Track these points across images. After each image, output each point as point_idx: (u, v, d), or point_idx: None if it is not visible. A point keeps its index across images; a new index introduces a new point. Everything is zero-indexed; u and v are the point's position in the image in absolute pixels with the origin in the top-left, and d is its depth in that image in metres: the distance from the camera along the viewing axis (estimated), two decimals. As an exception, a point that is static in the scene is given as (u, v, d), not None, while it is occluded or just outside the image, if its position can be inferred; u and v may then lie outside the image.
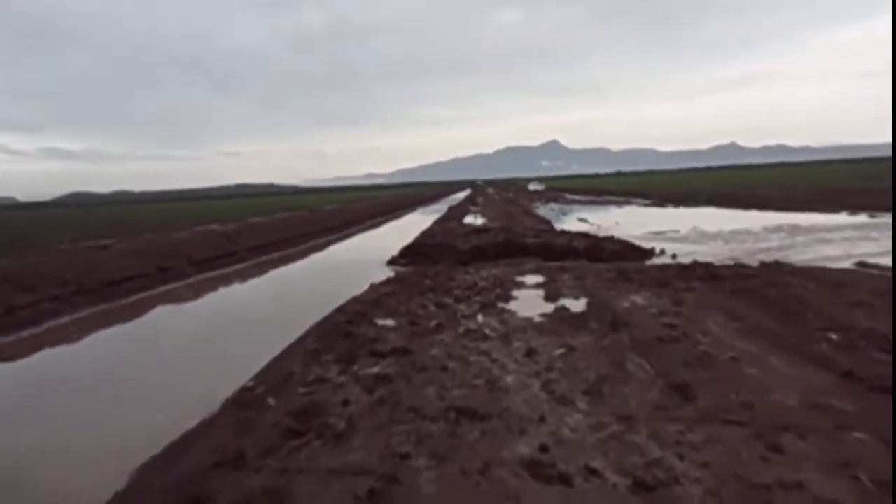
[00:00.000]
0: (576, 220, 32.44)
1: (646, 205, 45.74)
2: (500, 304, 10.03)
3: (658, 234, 24.01)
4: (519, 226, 24.98)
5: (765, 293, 10.42)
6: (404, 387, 5.98)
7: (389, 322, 8.94)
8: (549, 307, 9.74)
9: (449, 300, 10.28)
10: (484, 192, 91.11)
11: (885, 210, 28.11)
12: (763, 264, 14.19)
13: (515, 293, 11.08)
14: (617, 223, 30.14)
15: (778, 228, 24.16)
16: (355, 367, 6.63)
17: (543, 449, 4.55)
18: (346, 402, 5.51)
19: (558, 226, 27.54)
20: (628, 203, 48.36)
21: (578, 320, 8.64)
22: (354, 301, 10.49)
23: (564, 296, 10.62)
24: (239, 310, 12.88)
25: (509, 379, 6.25)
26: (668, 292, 10.75)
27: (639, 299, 10.20)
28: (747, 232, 23.43)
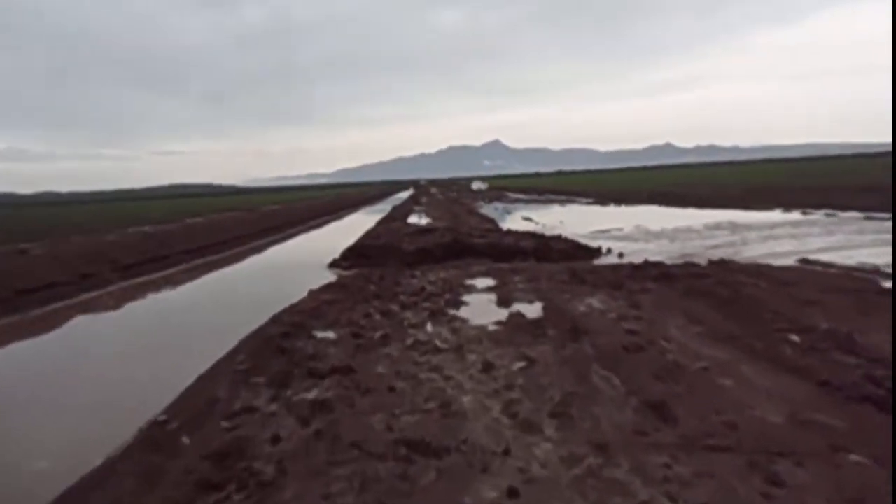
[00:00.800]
0: (520, 219, 32.07)
1: (588, 203, 45.96)
2: (451, 311, 9.28)
3: (603, 233, 23.80)
4: (464, 225, 24.33)
5: (719, 293, 10.04)
6: (346, 415, 5.14)
7: (330, 334, 8.05)
8: (502, 313, 9.04)
9: (395, 307, 9.47)
10: (427, 191, 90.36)
11: (816, 207, 28.88)
12: (711, 262, 13.96)
13: (466, 298, 10.35)
14: (561, 222, 29.91)
15: (718, 226, 24.34)
16: (289, 392, 5.74)
17: (512, 493, 3.80)
18: (276, 439, 4.62)
19: (504, 225, 27.06)
20: (571, 202, 48.51)
21: (535, 327, 7.97)
22: (292, 310, 9.53)
23: (518, 300, 9.96)
24: (163, 321, 11.67)
25: (466, 400, 5.50)
26: (624, 294, 10.24)
27: (595, 302, 9.64)
28: (690, 230, 23.48)
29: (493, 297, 10.37)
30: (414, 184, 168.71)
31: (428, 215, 34.70)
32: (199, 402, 5.52)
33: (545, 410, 5.21)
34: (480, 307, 9.64)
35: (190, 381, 6.36)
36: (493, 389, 5.76)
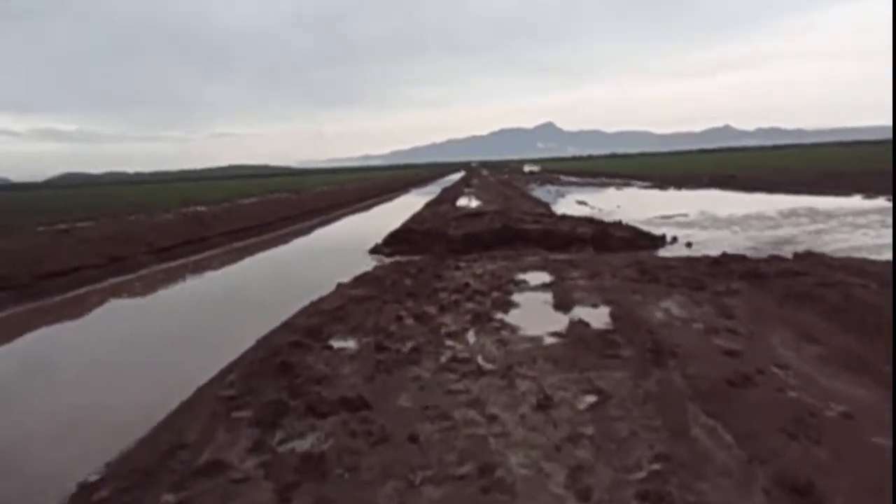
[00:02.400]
0: (575, 203, 29.96)
1: (646, 187, 43.28)
2: (498, 315, 7.58)
3: (665, 219, 21.64)
4: (516, 209, 22.47)
5: (826, 298, 8.02)
6: (344, 484, 3.57)
7: (349, 344, 6.49)
8: (561, 320, 7.30)
9: (432, 309, 7.83)
10: (478, 173, 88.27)
11: (904, 194, 25.86)
12: (798, 256, 11.89)
13: (517, 298, 8.61)
14: (619, 206, 27.73)
15: (794, 212, 21.86)
16: (277, 437, 4.20)
17: None
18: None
19: (557, 209, 25.11)
20: (627, 185, 45.86)
21: (604, 343, 6.21)
22: (312, 309, 8.02)
23: (579, 302, 8.17)
24: (172, 318, 10.25)
25: (515, 462, 3.85)
26: (708, 297, 8.35)
27: (674, 307, 7.79)
28: (762, 216, 21.09)
29: (548, 297, 8.60)
30: (465, 166, 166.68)
31: (478, 198, 32.90)
32: (156, 451, 4.02)
33: (630, 488, 3.51)
34: (534, 311, 7.90)
35: (164, 413, 4.86)
36: (554, 444, 4.07)
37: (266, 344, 6.41)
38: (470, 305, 8.02)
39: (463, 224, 18.23)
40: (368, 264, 13.27)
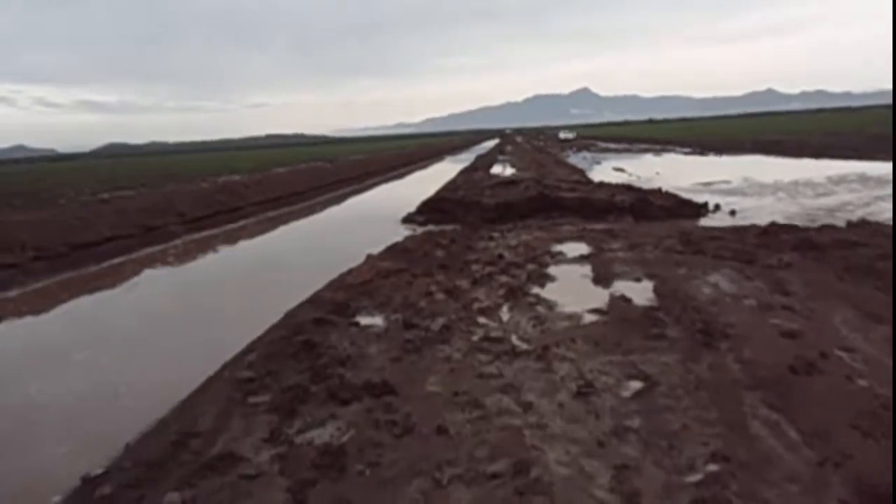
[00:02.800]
0: (611, 170, 29.02)
1: (685, 153, 41.82)
2: (534, 290, 7.13)
3: (707, 186, 20.73)
4: (551, 177, 21.79)
5: (889, 272, 7.38)
6: (363, 483, 3.23)
7: (377, 321, 6.15)
8: (601, 295, 6.82)
9: (464, 282, 7.43)
10: (513, 140, 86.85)
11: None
12: (852, 225, 11.14)
13: (553, 270, 8.14)
14: (658, 173, 26.73)
15: (843, 179, 20.72)
16: (295, 426, 3.88)
17: None
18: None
19: (593, 176, 24.31)
20: (665, 151, 44.37)
21: (648, 321, 5.73)
22: (339, 283, 7.69)
23: (619, 276, 7.66)
24: (200, 292, 10.05)
25: (553, 458, 3.46)
26: (760, 271, 7.75)
27: (723, 282, 7.23)
28: (810, 183, 20.04)
29: (587, 270, 8.11)
30: (500, 133, 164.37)
31: (512, 165, 32.16)
32: (165, 441, 3.75)
33: (685, 495, 3.09)
34: (572, 285, 7.43)
35: (177, 399, 4.57)
36: (596, 438, 3.66)
37: (290, 320, 6.11)
38: (504, 279, 7.59)
39: (497, 192, 17.70)
40: (400, 234, 12.91)
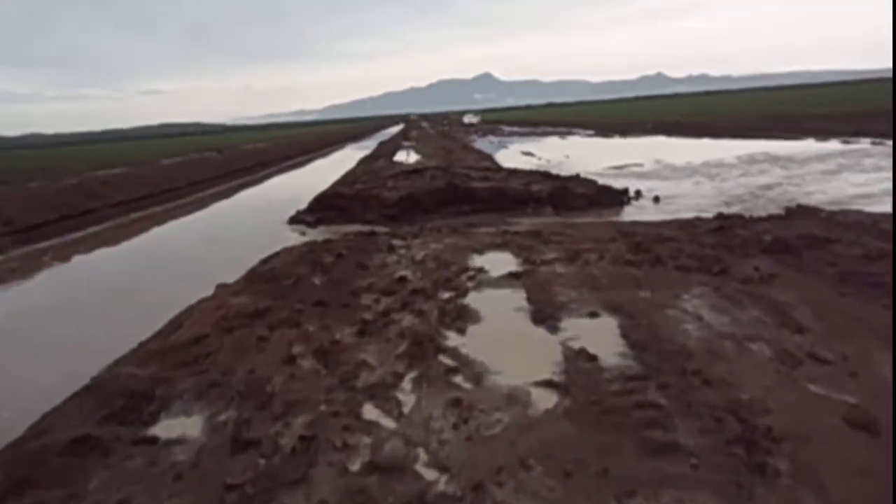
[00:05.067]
0: (520, 154, 27.24)
1: (589, 135, 40.89)
2: (451, 341, 4.70)
3: (620, 170, 19.27)
4: (459, 164, 19.53)
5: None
6: None
7: (189, 431, 3.48)
8: (550, 347, 4.48)
9: (347, 332, 4.88)
10: (418, 125, 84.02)
11: (853, 135, 24.19)
12: (792, 211, 9.72)
13: (475, 301, 5.72)
14: (567, 156, 25.21)
15: (753, 159, 19.90)
16: None
17: None
18: None
19: (503, 161, 22.34)
20: (570, 134, 43.35)
21: (639, 410, 3.44)
22: (159, 343, 4.92)
23: (566, 308, 5.35)
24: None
25: None
26: (740, 288, 5.72)
27: (706, 312, 5.11)
28: (723, 164, 19.01)
29: (520, 298, 5.74)
30: (404, 119, 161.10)
31: (418, 152, 29.63)
32: None
33: None
34: (504, 328, 5.04)
35: None
36: None
37: (22, 450, 3.34)
38: (407, 321, 5.10)
39: (400, 183, 15.22)
40: (282, 241, 10.19)
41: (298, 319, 5.09)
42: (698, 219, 9.49)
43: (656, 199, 13.40)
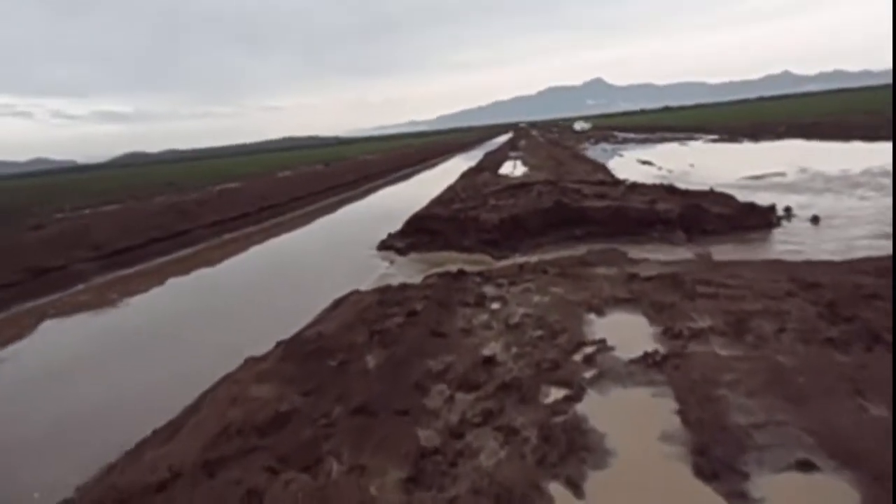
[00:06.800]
0: (637, 164, 24.31)
1: (713, 140, 36.76)
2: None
3: (758, 180, 16.16)
4: (570, 176, 17.29)
5: None
6: None
7: None
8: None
9: (393, 475, 3.05)
10: (527, 134, 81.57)
11: None
12: None
13: (594, 413, 3.68)
14: (691, 165, 21.81)
15: (928, 166, 15.93)
16: None
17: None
18: None
19: (616, 171, 19.83)
20: (691, 139, 39.29)
21: None
22: (120, 482, 3.37)
23: (750, 438, 3.22)
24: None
25: None
26: None
27: None
28: (887, 172, 15.28)
29: (668, 411, 3.62)
30: (513, 127, 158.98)
31: (525, 163, 27.54)
32: None
33: None
34: (647, 484, 3.02)
35: None
36: None
37: None
38: (487, 457, 3.18)
39: (502, 202, 13.31)
40: (364, 273, 8.64)
41: (321, 451, 3.29)
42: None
43: (815, 220, 10.63)
